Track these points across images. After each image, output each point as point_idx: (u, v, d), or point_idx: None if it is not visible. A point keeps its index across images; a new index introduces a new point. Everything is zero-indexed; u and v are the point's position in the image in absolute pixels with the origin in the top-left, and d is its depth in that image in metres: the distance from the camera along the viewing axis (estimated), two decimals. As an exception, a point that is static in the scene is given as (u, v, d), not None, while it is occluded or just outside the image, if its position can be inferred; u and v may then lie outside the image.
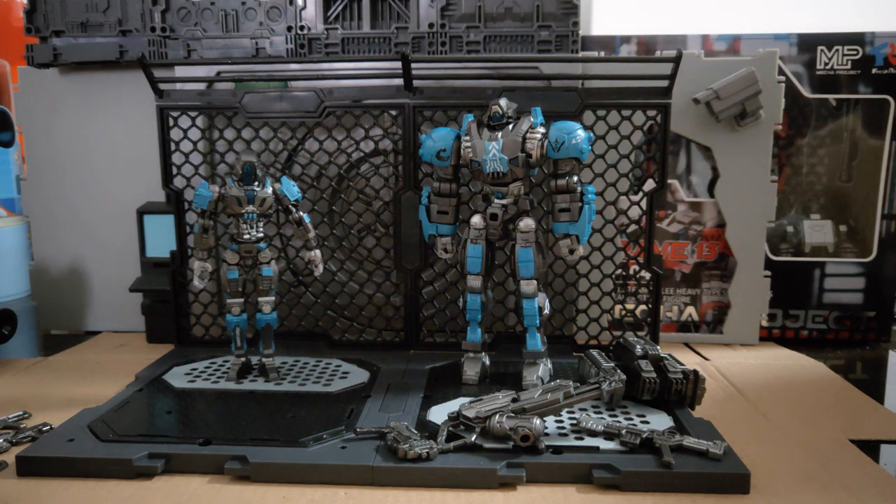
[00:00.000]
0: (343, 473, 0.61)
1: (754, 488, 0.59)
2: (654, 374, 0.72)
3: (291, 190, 0.85)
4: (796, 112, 1.07)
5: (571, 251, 0.82)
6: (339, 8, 1.05)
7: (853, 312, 1.11)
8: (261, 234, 0.84)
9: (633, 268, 1.06)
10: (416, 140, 0.94)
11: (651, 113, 0.93)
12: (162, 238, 1.06)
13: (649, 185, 0.94)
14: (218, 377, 0.85)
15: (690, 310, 1.11)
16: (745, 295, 1.08)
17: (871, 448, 0.69)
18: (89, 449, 0.64)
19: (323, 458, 0.62)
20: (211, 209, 0.84)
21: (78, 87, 1.13)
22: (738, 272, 1.08)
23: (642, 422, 0.69)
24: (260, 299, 0.85)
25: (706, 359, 1.02)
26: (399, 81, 0.94)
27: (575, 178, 0.81)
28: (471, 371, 0.84)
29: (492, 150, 0.80)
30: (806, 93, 1.07)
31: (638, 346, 0.76)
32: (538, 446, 0.62)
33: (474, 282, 0.83)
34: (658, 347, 0.77)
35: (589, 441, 0.65)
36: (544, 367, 0.83)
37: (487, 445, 0.63)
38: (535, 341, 0.83)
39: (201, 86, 1.02)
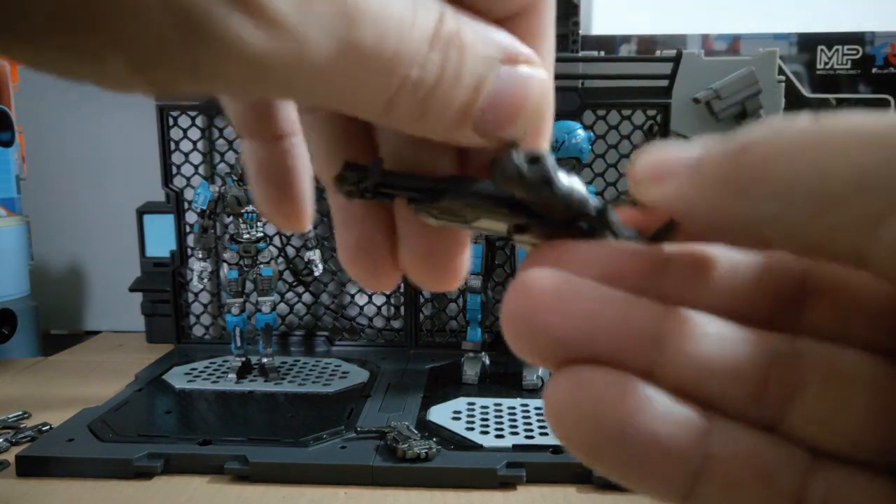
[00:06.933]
0: (343, 473, 0.61)
1: (754, 488, 0.59)
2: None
3: (291, 190, 0.85)
4: (796, 112, 1.07)
5: (571, 251, 0.82)
6: (339, 8, 1.05)
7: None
8: (261, 234, 0.84)
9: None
10: (416, 140, 0.94)
11: (651, 112, 0.93)
12: (162, 238, 1.06)
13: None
14: (218, 377, 0.85)
15: (690, 310, 1.10)
16: (746, 295, 1.08)
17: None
18: (89, 449, 0.64)
19: (323, 458, 0.62)
20: (211, 209, 0.84)
21: (78, 87, 1.13)
22: (738, 272, 1.08)
23: (642, 422, 0.69)
24: (259, 299, 0.85)
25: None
26: (399, 81, 0.94)
27: (575, 178, 0.81)
28: (471, 371, 0.83)
29: (492, 150, 0.80)
30: (806, 92, 1.07)
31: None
32: None
33: (474, 281, 0.83)
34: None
35: (589, 441, 0.65)
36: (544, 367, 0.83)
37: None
38: (535, 341, 0.83)
39: (201, 86, 1.02)
